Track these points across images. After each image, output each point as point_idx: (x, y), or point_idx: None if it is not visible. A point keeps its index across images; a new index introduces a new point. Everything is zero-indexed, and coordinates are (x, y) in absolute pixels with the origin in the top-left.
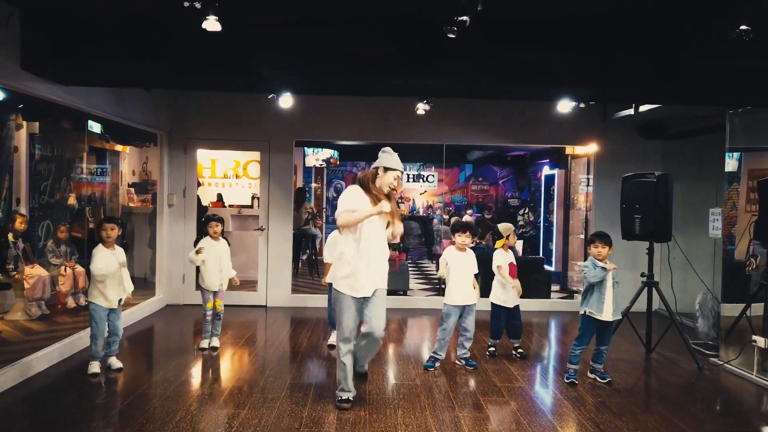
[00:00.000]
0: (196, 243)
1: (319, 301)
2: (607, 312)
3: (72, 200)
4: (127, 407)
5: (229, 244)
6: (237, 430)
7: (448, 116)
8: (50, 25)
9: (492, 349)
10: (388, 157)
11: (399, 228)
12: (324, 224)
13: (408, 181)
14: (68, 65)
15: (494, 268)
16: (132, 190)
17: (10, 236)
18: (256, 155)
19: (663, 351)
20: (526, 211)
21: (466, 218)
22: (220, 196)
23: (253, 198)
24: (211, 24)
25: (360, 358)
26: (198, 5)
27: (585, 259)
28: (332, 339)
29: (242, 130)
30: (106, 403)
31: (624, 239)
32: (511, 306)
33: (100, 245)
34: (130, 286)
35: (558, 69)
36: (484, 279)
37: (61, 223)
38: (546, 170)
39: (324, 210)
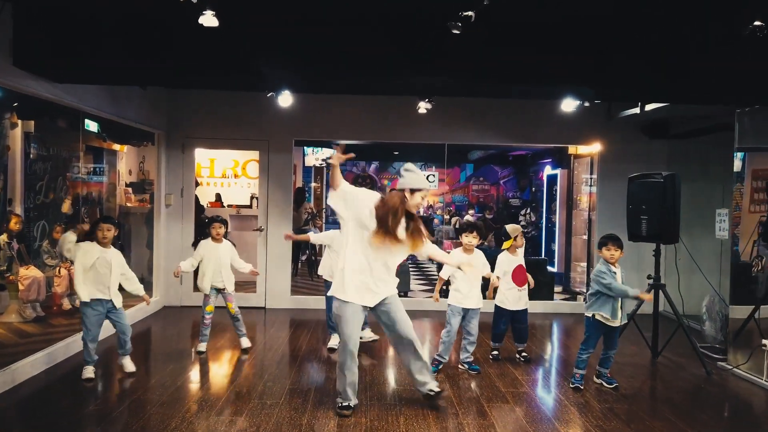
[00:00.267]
0: (195, 244)
1: (319, 302)
2: (619, 316)
3: (66, 207)
4: (121, 414)
5: (234, 245)
6: None
7: (449, 115)
8: (48, 23)
9: (495, 353)
10: (413, 176)
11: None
12: (324, 224)
13: None
14: (68, 65)
15: (496, 275)
16: (129, 189)
17: (5, 237)
18: (255, 155)
19: (670, 355)
20: (528, 211)
21: (467, 218)
22: (218, 196)
23: (252, 198)
24: (208, 19)
25: (418, 375)
26: (194, 0)
27: (588, 261)
28: (332, 342)
29: (241, 129)
30: (99, 410)
31: (630, 240)
32: (518, 309)
33: (93, 242)
34: (133, 288)
35: (557, 71)
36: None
37: (57, 223)
38: (548, 170)
39: (324, 210)
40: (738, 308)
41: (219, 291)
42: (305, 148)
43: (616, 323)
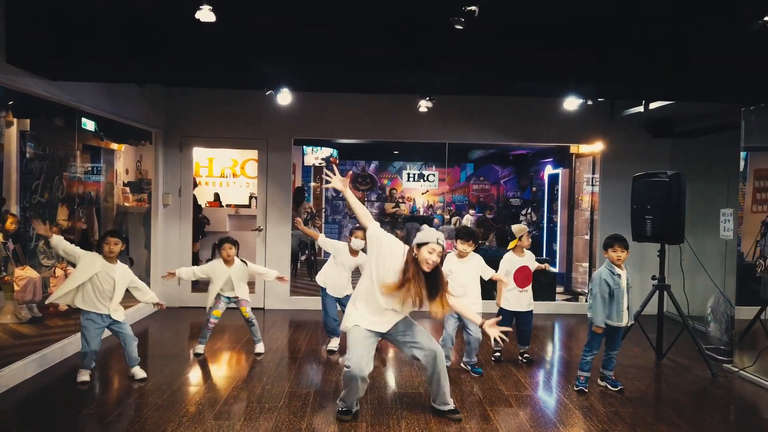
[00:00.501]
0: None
1: (318, 304)
2: (625, 318)
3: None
4: (116, 418)
5: (245, 263)
6: None
7: (450, 114)
8: (43, 19)
9: (497, 354)
10: (420, 234)
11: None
12: (323, 224)
13: (408, 180)
14: (64, 63)
15: (497, 275)
16: (127, 189)
17: (0, 237)
18: (254, 154)
19: (674, 357)
20: (529, 211)
21: (468, 218)
22: (217, 196)
23: (250, 197)
24: (205, 14)
25: (438, 388)
26: None
27: (590, 261)
28: (332, 344)
29: (240, 128)
30: (94, 414)
31: (634, 241)
32: (521, 311)
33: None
34: (147, 299)
35: (558, 68)
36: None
37: (54, 223)
38: (549, 169)
39: (323, 210)
40: (744, 309)
41: (230, 299)
42: (304, 147)
43: (621, 324)
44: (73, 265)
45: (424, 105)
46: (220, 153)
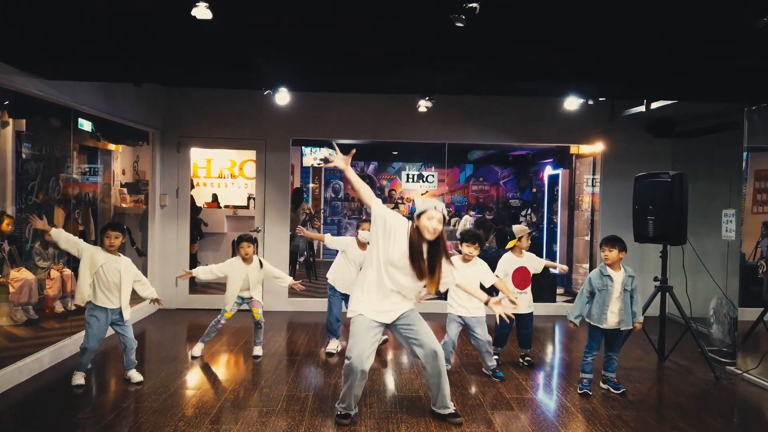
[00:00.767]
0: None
1: (317, 305)
2: (612, 321)
3: (59, 217)
4: (112, 422)
5: (261, 265)
6: None
7: (450, 114)
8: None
9: (495, 357)
10: (418, 203)
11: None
12: (322, 225)
13: (407, 181)
14: (64, 64)
15: (496, 275)
16: (125, 190)
17: None
18: (252, 154)
19: (677, 359)
20: (529, 211)
21: (467, 218)
22: (215, 197)
23: (249, 198)
24: (201, 11)
25: (437, 391)
26: None
27: (590, 262)
28: (330, 346)
29: (238, 128)
30: (89, 418)
31: (636, 242)
32: (520, 313)
33: (101, 248)
34: (148, 293)
35: (559, 68)
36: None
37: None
38: (549, 170)
39: (322, 211)
40: (747, 310)
41: (244, 299)
42: (303, 147)
43: (602, 326)
44: (72, 263)
45: (423, 105)
46: (218, 154)
